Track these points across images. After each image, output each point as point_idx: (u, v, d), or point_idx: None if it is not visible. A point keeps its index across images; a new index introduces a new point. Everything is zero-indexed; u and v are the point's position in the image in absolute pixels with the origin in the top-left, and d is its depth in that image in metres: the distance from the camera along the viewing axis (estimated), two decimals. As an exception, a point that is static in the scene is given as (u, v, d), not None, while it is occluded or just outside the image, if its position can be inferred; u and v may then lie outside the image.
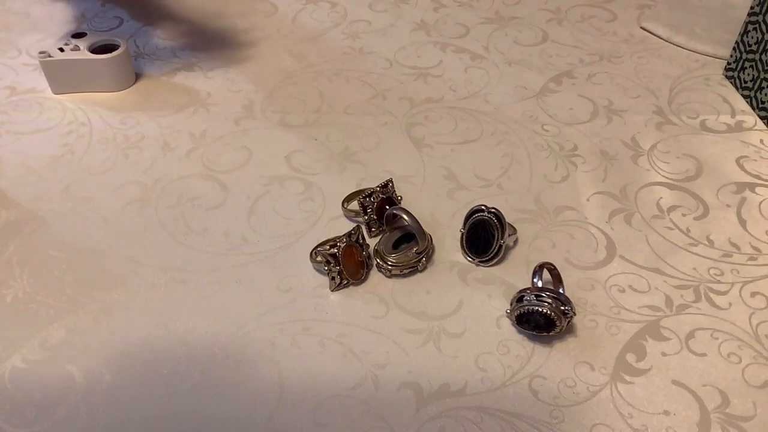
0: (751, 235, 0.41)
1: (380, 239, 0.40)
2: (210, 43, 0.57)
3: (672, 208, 0.43)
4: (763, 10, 0.49)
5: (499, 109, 0.51)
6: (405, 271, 0.38)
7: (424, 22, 0.61)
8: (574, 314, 0.34)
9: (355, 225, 0.39)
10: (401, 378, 0.34)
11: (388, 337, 0.35)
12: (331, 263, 0.37)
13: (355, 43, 0.58)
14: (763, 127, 0.50)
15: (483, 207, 0.38)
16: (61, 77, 0.51)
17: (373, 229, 0.41)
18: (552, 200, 0.43)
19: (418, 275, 0.39)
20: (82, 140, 0.48)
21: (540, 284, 0.36)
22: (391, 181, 0.42)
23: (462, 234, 0.40)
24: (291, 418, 0.32)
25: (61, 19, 0.60)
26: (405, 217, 0.38)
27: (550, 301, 0.34)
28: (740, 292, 0.38)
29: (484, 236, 0.38)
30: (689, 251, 0.40)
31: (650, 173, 0.46)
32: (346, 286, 0.38)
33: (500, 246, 0.38)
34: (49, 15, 0.61)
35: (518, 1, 0.64)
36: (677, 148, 0.48)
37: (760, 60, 0.49)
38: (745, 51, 0.51)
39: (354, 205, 0.41)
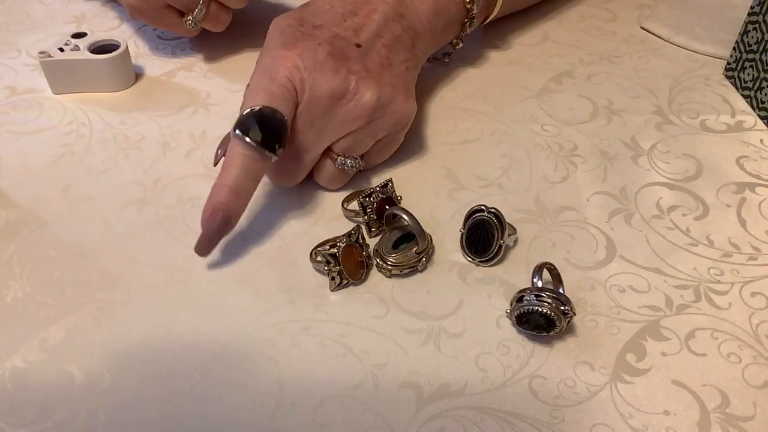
0: (751, 235, 0.41)
1: (380, 239, 0.40)
2: (210, 43, 0.57)
3: (672, 208, 0.43)
4: (763, 10, 0.49)
5: (499, 109, 0.51)
6: (405, 271, 0.38)
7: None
8: (574, 314, 0.34)
9: (355, 225, 0.39)
10: (401, 378, 0.34)
11: (388, 337, 0.35)
12: (331, 263, 0.37)
13: (355, 43, 0.58)
14: (763, 127, 0.50)
15: (483, 207, 0.38)
16: (61, 77, 0.51)
17: (373, 229, 0.41)
18: (552, 200, 0.43)
19: (418, 275, 0.39)
20: (82, 140, 0.48)
21: (540, 284, 0.36)
22: (391, 181, 0.42)
23: (462, 234, 0.40)
24: (291, 418, 0.32)
25: (61, 19, 0.60)
26: (405, 217, 0.38)
27: (550, 301, 0.34)
28: (740, 292, 0.38)
29: (484, 236, 0.38)
30: (689, 251, 0.40)
31: (650, 173, 0.46)
32: (346, 286, 0.38)
33: (500, 246, 0.38)
34: (49, 15, 0.61)
35: (518, 1, 0.64)
36: (677, 148, 0.48)
37: (760, 60, 0.49)
38: (745, 51, 0.51)
39: (354, 205, 0.41)
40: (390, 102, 0.40)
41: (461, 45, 0.51)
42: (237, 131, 0.36)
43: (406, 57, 0.43)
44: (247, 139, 0.36)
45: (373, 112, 0.39)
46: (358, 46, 0.41)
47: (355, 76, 0.39)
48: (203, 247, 0.38)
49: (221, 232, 0.38)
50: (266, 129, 0.36)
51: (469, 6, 0.48)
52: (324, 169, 0.42)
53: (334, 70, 0.38)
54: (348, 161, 0.41)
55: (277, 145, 0.37)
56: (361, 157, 0.42)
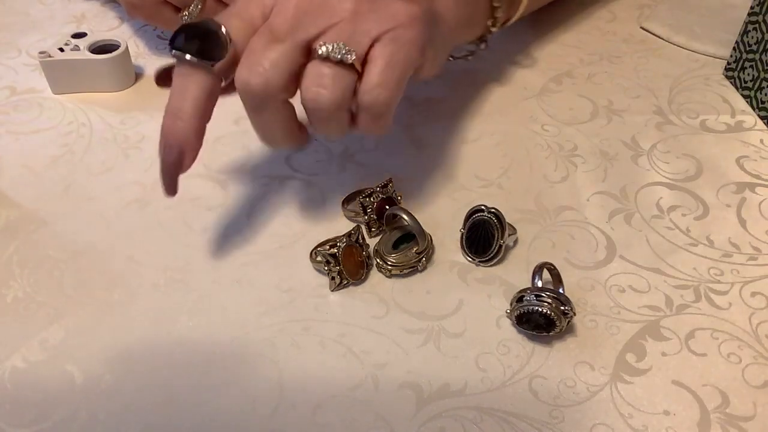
0: (751, 235, 0.41)
1: (380, 239, 0.40)
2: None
3: (672, 208, 0.43)
4: (763, 10, 0.49)
5: (499, 109, 0.51)
6: (405, 271, 0.38)
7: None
8: (574, 314, 0.34)
9: (355, 225, 0.39)
10: (401, 378, 0.34)
11: (388, 337, 0.35)
12: (331, 263, 0.37)
13: (355, 43, 0.58)
14: (763, 127, 0.50)
15: (483, 207, 0.38)
16: (61, 77, 0.51)
17: (373, 229, 0.41)
18: (552, 200, 0.43)
19: (418, 275, 0.39)
20: (82, 140, 0.48)
21: (540, 284, 0.36)
22: (391, 181, 0.42)
23: (462, 234, 0.40)
24: (291, 418, 0.32)
25: (61, 19, 0.60)
26: (405, 217, 0.38)
27: (550, 301, 0.34)
28: (740, 292, 0.38)
29: (484, 236, 0.38)
30: (689, 251, 0.40)
31: (650, 173, 0.46)
32: (346, 286, 0.38)
33: (500, 246, 0.38)
34: (49, 15, 0.61)
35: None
36: (677, 148, 0.48)
37: (760, 60, 0.49)
38: (745, 51, 0.51)
39: (354, 205, 0.41)
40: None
41: (484, 46, 0.47)
42: (171, 50, 0.33)
43: None
44: (174, 52, 0.33)
45: (357, 1, 0.33)
46: None
47: None
48: (163, 184, 0.35)
49: (170, 163, 0.34)
50: (198, 40, 0.33)
51: None
52: (309, 75, 0.33)
53: None
54: (332, 46, 0.32)
55: (210, 54, 0.33)
56: (363, 62, 0.34)
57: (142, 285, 0.38)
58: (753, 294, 0.38)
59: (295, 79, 0.34)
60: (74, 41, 0.51)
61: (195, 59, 0.33)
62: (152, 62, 0.55)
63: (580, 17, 0.62)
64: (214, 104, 0.34)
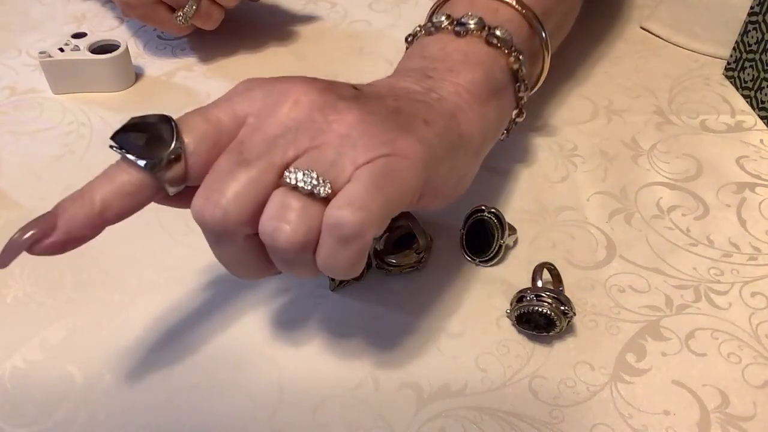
0: (751, 235, 0.41)
1: (380, 239, 0.40)
2: (210, 43, 0.57)
3: (672, 208, 0.43)
4: (763, 10, 0.49)
5: (499, 109, 0.51)
6: (405, 271, 0.38)
7: (424, 22, 0.60)
8: (574, 314, 0.34)
9: (355, 225, 0.39)
10: (401, 378, 0.34)
11: (388, 337, 0.35)
12: (331, 263, 0.37)
13: (355, 43, 0.58)
14: (763, 127, 0.50)
15: (483, 207, 0.38)
16: (61, 77, 0.51)
17: (373, 229, 0.41)
18: (552, 200, 0.43)
19: (418, 275, 0.39)
20: (82, 140, 0.48)
21: (540, 284, 0.36)
22: (391, 181, 0.41)
23: (462, 234, 0.40)
24: (291, 418, 0.32)
25: (61, 19, 0.60)
26: (405, 217, 0.38)
27: (550, 301, 0.34)
28: (740, 292, 0.38)
29: (484, 236, 0.38)
30: (689, 251, 0.40)
31: (650, 173, 0.46)
32: (346, 286, 0.38)
33: (500, 246, 0.38)
34: (49, 15, 0.61)
35: (518, 1, 0.64)
36: (677, 148, 0.48)
37: (760, 60, 0.49)
38: (745, 51, 0.51)
39: (354, 205, 0.41)
40: (379, 128, 0.29)
41: (504, 136, 0.40)
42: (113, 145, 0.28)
43: (428, 118, 0.31)
44: (112, 144, 0.28)
45: (354, 125, 0.28)
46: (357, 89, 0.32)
47: (344, 102, 0.29)
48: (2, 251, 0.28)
49: (28, 235, 0.28)
50: (146, 135, 0.28)
51: (515, 67, 0.37)
52: (271, 204, 0.27)
53: (324, 87, 0.30)
54: (302, 174, 0.27)
55: (150, 153, 0.28)
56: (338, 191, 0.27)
57: (141, 285, 0.38)
58: (753, 294, 0.38)
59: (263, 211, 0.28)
60: (74, 41, 0.51)
61: (128, 156, 0.28)
62: (152, 62, 0.55)
63: (580, 17, 0.62)
64: (132, 207, 0.30)
